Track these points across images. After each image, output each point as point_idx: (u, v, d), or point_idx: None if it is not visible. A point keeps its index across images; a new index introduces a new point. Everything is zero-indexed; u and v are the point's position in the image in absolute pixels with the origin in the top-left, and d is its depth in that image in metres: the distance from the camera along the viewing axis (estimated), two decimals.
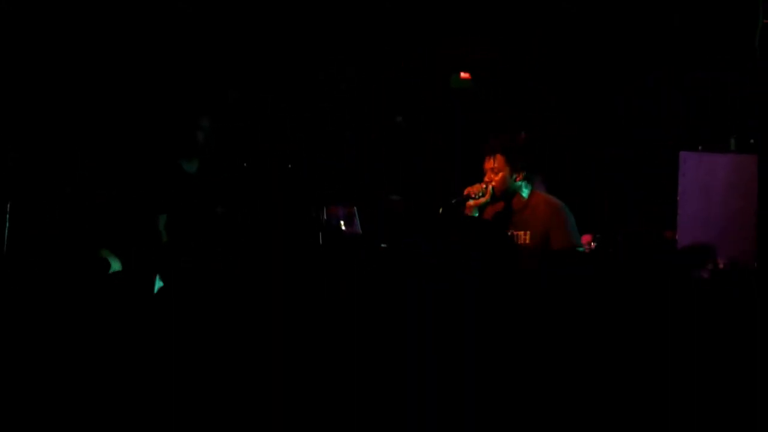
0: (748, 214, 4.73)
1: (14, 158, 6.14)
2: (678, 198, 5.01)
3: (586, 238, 5.67)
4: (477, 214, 5.76)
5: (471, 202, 5.76)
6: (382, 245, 5.18)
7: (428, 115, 7.75)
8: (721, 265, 4.69)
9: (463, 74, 7.69)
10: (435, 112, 7.77)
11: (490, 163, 5.85)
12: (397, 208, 6.72)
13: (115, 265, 5.12)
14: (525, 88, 7.53)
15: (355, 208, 5.55)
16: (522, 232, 5.70)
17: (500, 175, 5.82)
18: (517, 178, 5.81)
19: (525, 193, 5.83)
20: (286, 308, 4.54)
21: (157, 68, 6.89)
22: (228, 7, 7.22)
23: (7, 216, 5.32)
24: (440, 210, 5.72)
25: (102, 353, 4.49)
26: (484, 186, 5.80)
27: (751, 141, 5.02)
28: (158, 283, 5.01)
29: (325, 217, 5.36)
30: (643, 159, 6.98)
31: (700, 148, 5.08)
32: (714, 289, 4.47)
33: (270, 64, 7.27)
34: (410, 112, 7.70)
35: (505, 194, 5.81)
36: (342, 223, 5.43)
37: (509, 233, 5.64)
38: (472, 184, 5.88)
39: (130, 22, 6.91)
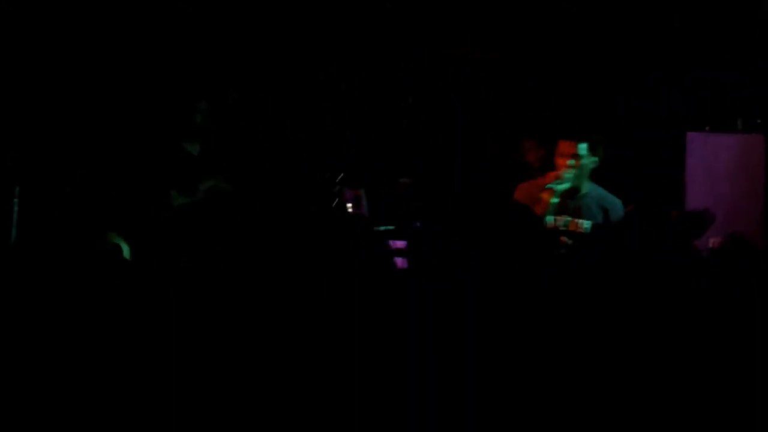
0: (755, 196, 4.67)
1: (14, 158, 6.15)
2: (685, 179, 4.97)
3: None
4: (557, 200, 5.74)
5: (556, 188, 5.72)
6: (380, 228, 5.19)
7: (428, 115, 7.75)
8: (716, 244, 4.65)
9: None
10: (435, 112, 7.77)
11: (569, 149, 5.81)
12: (404, 191, 6.73)
13: (125, 249, 5.13)
14: (525, 88, 7.54)
15: (362, 191, 5.57)
16: (582, 221, 5.71)
17: (581, 162, 5.81)
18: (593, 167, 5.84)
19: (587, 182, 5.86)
20: (286, 308, 4.54)
21: (157, 65, 6.89)
22: (228, 7, 7.23)
23: (15, 208, 5.33)
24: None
25: (102, 352, 4.49)
26: (563, 172, 5.78)
27: (759, 121, 4.97)
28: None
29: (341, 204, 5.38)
30: (643, 159, 6.98)
31: (707, 128, 5.04)
32: (714, 290, 4.47)
33: (270, 64, 7.28)
34: (410, 112, 7.71)
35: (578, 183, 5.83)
36: (349, 205, 5.45)
37: (572, 220, 5.64)
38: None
39: (129, 22, 6.92)
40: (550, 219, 5.69)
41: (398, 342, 4.38)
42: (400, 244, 5.39)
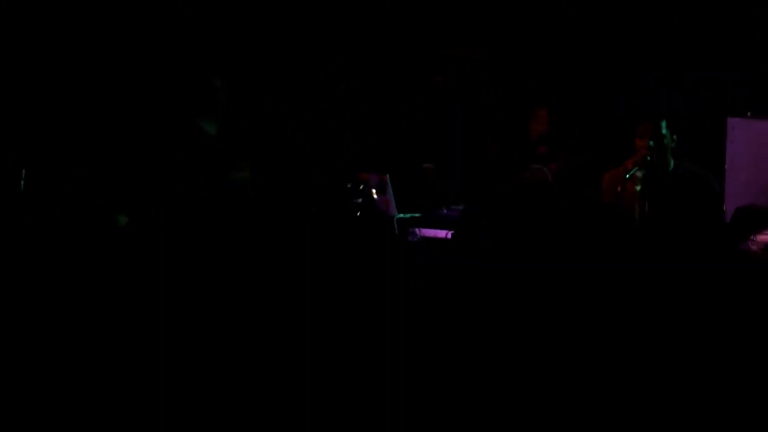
0: None
1: (14, 158, 6.14)
2: (726, 167, 4.82)
3: None
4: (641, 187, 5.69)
5: (638, 175, 5.65)
6: (405, 215, 5.16)
7: (428, 115, 7.76)
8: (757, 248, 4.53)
9: None
10: (435, 112, 7.77)
11: (649, 129, 5.73)
12: (429, 176, 6.72)
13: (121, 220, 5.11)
14: (525, 88, 7.54)
15: (387, 175, 5.51)
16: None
17: (663, 141, 5.73)
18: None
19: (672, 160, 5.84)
20: (284, 306, 4.54)
21: (156, 65, 6.89)
22: (229, 6, 7.23)
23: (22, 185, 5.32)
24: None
25: (101, 348, 4.49)
26: (641, 157, 5.68)
27: None
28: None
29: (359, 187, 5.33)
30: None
31: (748, 114, 4.90)
32: (714, 289, 4.46)
33: (270, 63, 7.28)
34: (410, 112, 7.71)
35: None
36: (374, 191, 5.40)
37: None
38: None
39: (128, 21, 6.92)
40: None
41: (395, 340, 4.37)
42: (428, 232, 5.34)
